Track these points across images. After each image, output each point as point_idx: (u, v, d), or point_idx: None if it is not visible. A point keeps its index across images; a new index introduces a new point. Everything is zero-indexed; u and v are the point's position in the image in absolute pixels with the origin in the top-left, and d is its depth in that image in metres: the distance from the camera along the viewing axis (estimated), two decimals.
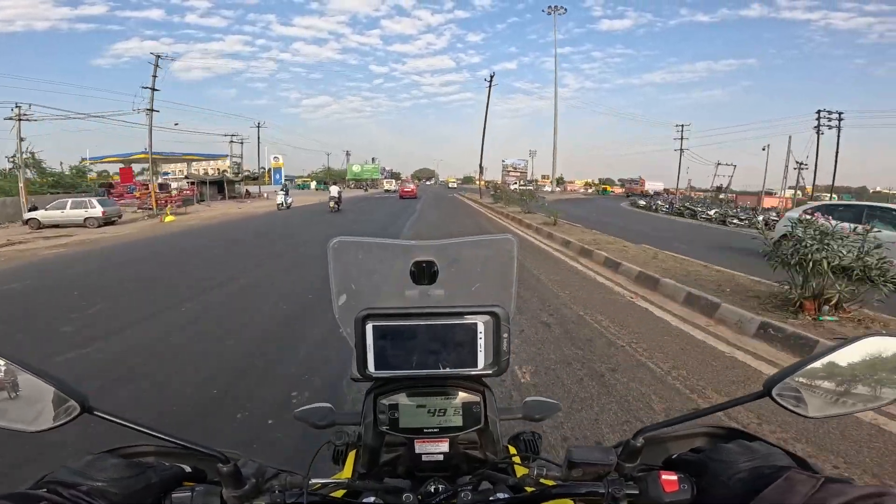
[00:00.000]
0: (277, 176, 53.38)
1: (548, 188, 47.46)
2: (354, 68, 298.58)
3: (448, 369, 0.64)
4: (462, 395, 0.66)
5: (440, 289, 0.72)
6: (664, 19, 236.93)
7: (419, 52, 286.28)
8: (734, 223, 21.79)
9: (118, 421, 0.50)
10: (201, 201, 29.09)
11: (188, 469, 0.59)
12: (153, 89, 22.90)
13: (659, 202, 32.83)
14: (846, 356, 0.52)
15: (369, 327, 0.62)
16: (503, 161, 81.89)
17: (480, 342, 0.63)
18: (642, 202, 35.52)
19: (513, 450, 0.87)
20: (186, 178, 33.87)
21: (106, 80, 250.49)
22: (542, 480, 0.60)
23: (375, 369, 0.63)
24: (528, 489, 0.65)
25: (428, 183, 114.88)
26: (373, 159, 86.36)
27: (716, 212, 24.57)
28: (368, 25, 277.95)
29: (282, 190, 24.84)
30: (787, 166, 38.94)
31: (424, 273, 0.71)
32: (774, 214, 23.21)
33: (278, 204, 22.29)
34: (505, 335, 0.63)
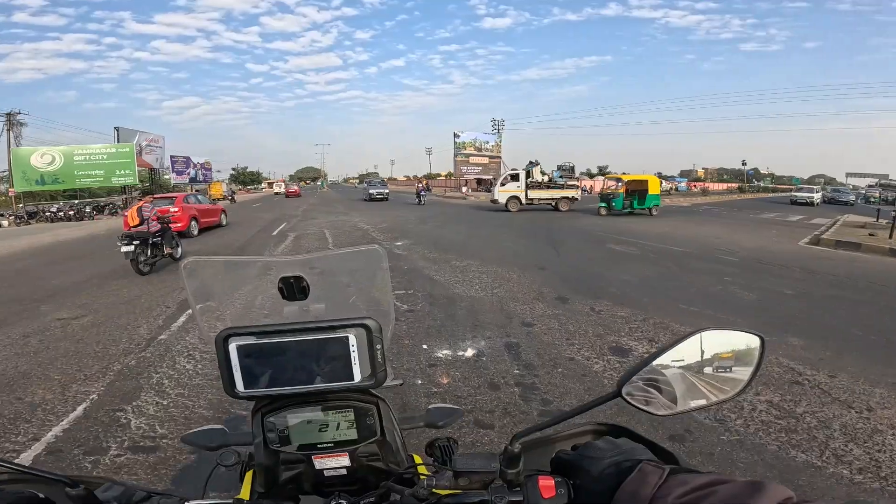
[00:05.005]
0: None
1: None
2: (228, 67, 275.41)
3: (323, 384, 0.62)
4: (354, 408, 0.65)
5: (320, 303, 0.71)
6: (539, 18, 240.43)
7: (303, 49, 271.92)
8: None
9: None
10: None
11: (41, 495, 0.57)
12: None
13: None
14: (682, 352, 0.53)
15: (232, 346, 0.60)
16: (456, 137, 44.01)
17: (354, 355, 0.62)
18: None
19: (418, 459, 0.82)
20: None
21: None
22: (434, 490, 0.59)
23: (244, 388, 0.62)
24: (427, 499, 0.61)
25: (318, 184, 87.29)
26: (116, 131, 29.02)
27: None
28: (245, 22, 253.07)
29: None
30: None
31: (293, 288, 0.69)
32: None
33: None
34: (378, 346, 0.62)
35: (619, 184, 20.02)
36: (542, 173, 23.15)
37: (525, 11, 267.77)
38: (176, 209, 12.25)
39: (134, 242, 7.17)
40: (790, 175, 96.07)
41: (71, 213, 23.23)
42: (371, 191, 32.27)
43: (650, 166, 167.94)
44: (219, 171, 58.60)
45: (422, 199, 27.33)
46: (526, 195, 21.37)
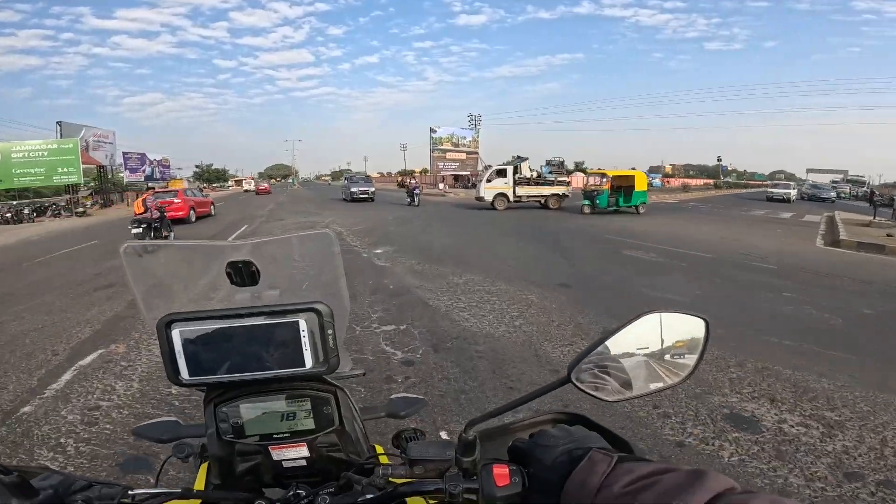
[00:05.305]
0: None
1: None
2: (195, 63, 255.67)
3: (274, 371, 0.60)
4: (310, 397, 0.63)
5: (274, 290, 0.69)
6: (514, 15, 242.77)
7: (274, 45, 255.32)
8: None
9: None
10: None
11: None
12: None
13: None
14: (630, 335, 0.52)
15: (175, 333, 0.58)
16: (433, 132, 42.43)
17: (305, 340, 0.59)
18: None
19: (380, 449, 0.79)
20: None
21: None
22: (390, 479, 0.58)
23: (189, 375, 0.59)
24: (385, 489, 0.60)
25: (288, 181, 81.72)
26: (59, 126, 26.22)
27: None
28: (213, 17, 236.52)
29: None
30: None
31: (243, 274, 0.65)
32: None
33: None
34: (330, 332, 0.60)
35: (604, 179, 18.46)
36: (531, 169, 21.98)
37: (500, 9, 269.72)
38: (178, 200, 15.64)
39: (142, 226, 9.71)
40: (752, 171, 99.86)
41: (8, 215, 20.68)
42: (353, 189, 25.97)
43: (621, 162, 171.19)
44: (180, 169, 55.34)
45: (416, 198, 21.96)
46: (514, 192, 20.06)
